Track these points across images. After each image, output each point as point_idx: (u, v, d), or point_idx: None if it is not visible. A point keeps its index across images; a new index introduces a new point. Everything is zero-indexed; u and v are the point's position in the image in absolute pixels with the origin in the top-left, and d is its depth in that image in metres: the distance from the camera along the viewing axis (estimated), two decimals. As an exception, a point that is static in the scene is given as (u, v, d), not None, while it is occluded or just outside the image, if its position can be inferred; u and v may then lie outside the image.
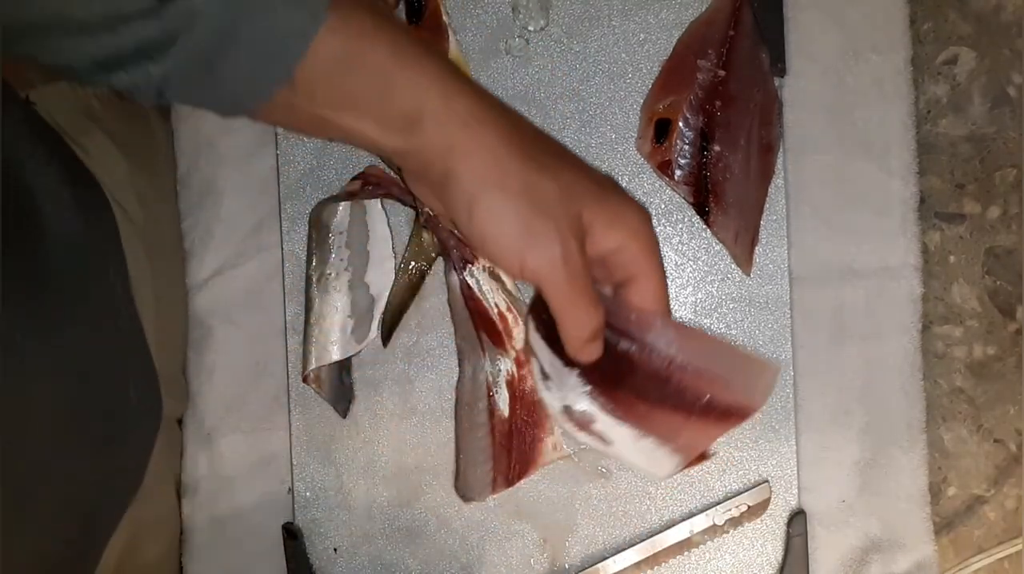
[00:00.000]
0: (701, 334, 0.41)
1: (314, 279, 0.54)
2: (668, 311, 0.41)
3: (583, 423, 0.41)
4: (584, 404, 0.41)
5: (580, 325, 0.40)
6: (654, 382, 0.40)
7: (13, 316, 0.41)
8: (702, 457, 0.43)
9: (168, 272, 0.58)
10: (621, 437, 0.41)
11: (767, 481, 0.54)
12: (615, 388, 0.41)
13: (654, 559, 0.54)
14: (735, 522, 0.54)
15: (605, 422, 0.41)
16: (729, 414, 0.40)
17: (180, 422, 0.59)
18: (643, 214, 0.41)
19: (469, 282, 0.53)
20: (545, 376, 0.42)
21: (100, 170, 0.52)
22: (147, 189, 0.56)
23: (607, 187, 0.41)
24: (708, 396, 0.39)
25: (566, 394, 0.41)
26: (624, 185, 0.55)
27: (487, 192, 0.38)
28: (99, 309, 0.50)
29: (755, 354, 0.42)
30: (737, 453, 0.54)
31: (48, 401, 0.43)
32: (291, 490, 0.57)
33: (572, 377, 0.41)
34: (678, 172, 0.53)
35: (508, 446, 0.54)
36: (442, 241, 0.53)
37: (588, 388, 0.41)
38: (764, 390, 0.40)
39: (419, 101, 0.36)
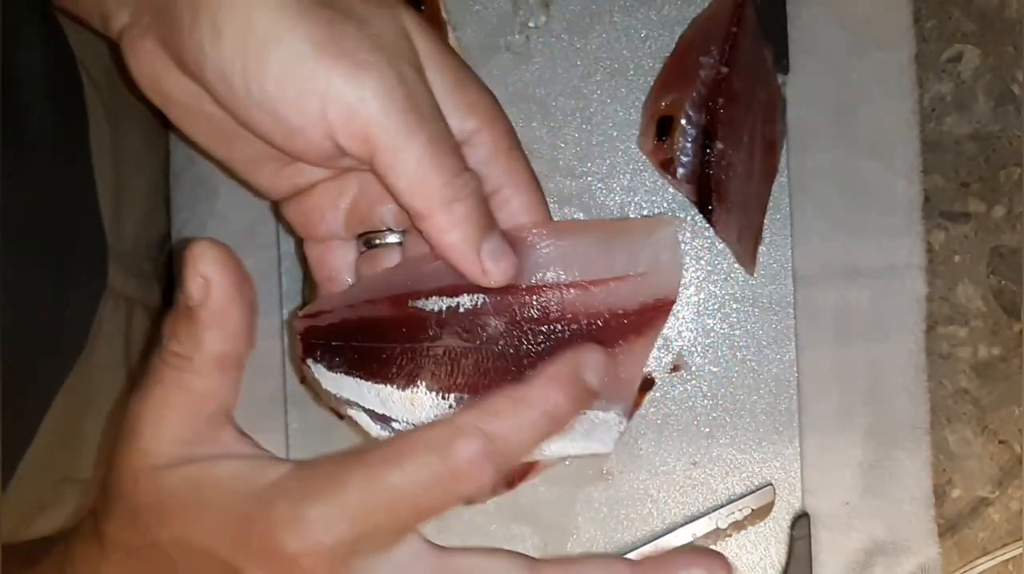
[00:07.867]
0: (570, 227, 0.29)
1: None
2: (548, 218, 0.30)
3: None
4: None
5: (458, 190, 0.26)
6: (544, 334, 0.29)
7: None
8: (645, 388, 0.32)
9: (133, 148, 0.53)
10: None
11: (771, 484, 0.53)
12: (502, 377, 0.29)
13: (656, 562, 0.54)
14: (738, 525, 0.53)
15: None
16: (647, 316, 0.29)
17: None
18: (492, 93, 0.29)
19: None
20: (381, 419, 0.30)
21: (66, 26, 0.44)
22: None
23: (439, 37, 0.29)
24: (611, 311, 0.29)
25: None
26: (626, 184, 0.54)
27: (259, 9, 0.26)
28: (63, 154, 0.44)
29: (638, 220, 0.30)
30: (740, 455, 0.54)
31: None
32: (287, 493, 0.56)
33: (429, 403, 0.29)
34: (680, 170, 0.52)
35: (508, 448, 0.53)
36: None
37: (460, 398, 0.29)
38: (672, 261, 0.30)
39: None
